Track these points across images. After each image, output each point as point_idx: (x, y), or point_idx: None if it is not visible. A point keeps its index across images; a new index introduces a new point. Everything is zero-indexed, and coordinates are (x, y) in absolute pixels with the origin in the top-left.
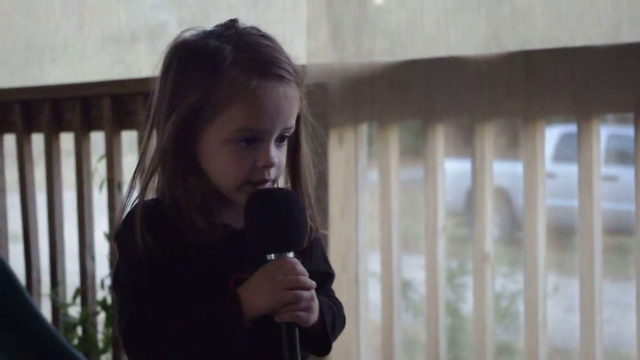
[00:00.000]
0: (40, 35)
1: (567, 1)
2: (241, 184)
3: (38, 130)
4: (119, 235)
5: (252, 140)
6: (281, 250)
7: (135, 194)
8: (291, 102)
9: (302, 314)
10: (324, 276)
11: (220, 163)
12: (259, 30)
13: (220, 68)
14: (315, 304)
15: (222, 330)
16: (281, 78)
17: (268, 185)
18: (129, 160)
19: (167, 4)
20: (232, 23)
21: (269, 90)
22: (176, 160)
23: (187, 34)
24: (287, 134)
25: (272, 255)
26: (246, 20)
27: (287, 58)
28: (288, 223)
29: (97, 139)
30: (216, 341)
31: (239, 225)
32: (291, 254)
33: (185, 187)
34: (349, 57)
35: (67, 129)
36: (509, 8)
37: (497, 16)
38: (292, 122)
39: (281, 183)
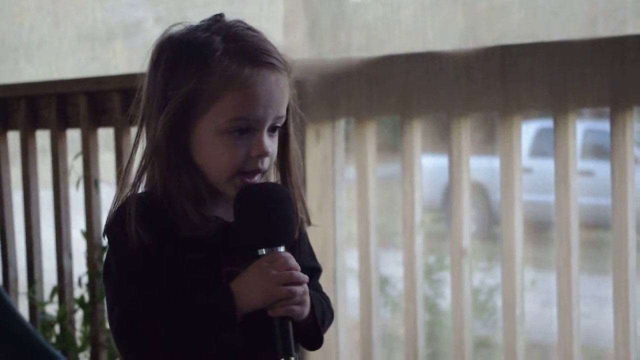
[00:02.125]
0: (15, 33)
1: None
2: (233, 174)
3: (14, 127)
4: (111, 228)
5: (246, 130)
6: (272, 244)
7: (127, 187)
8: (283, 90)
9: (297, 308)
10: (312, 271)
11: (213, 153)
12: (244, 23)
13: (212, 59)
14: (308, 298)
15: (215, 324)
16: (272, 66)
17: (259, 176)
18: (106, 158)
19: (143, 2)
20: (218, 17)
21: (261, 78)
22: (169, 153)
23: (174, 29)
24: (279, 124)
25: (264, 250)
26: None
27: (275, 48)
28: (278, 217)
29: (74, 136)
30: (208, 335)
31: (231, 218)
32: (282, 248)
33: (178, 180)
34: (326, 53)
35: (43, 126)
36: (486, 3)
37: (473, 11)
38: (284, 110)
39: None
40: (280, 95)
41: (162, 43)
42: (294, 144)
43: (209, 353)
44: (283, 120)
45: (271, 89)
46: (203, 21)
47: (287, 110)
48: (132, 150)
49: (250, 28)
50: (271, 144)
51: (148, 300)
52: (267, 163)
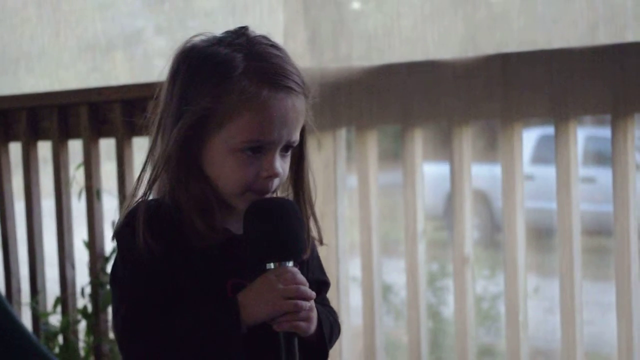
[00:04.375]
0: (16, 44)
1: (543, 4)
2: (244, 190)
3: (15, 138)
4: (120, 233)
5: (258, 150)
6: (281, 259)
7: (139, 195)
8: (298, 114)
9: (302, 324)
10: (319, 284)
11: (225, 170)
12: (268, 39)
13: (231, 77)
14: (315, 314)
15: (219, 335)
16: (290, 90)
17: (269, 195)
18: (107, 168)
19: (143, 12)
20: (243, 31)
21: (278, 101)
22: (180, 165)
23: (197, 39)
24: (292, 145)
25: (272, 264)
26: (225, 26)
27: (296, 69)
28: (287, 232)
29: (75, 147)
30: (212, 346)
31: (240, 231)
32: (291, 263)
33: (187, 191)
34: (327, 62)
35: (44, 137)
36: (486, 11)
37: (473, 20)
38: (297, 134)
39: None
40: (295, 118)
41: (183, 53)
42: (308, 163)
43: None
44: (297, 142)
45: (287, 112)
46: (226, 33)
47: (304, 130)
48: (146, 158)
49: (274, 45)
50: (282, 164)
51: (153, 306)
52: (276, 183)
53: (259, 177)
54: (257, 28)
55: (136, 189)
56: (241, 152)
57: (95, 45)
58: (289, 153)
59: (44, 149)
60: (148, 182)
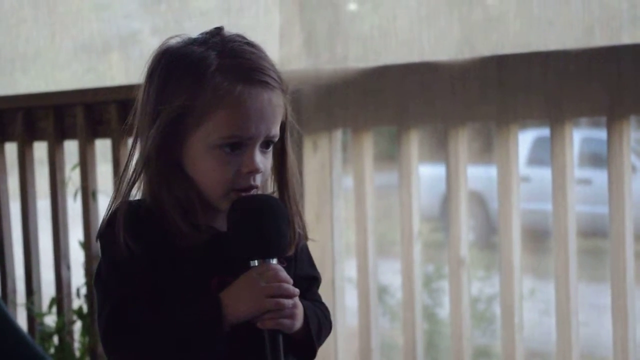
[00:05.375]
0: (12, 44)
1: (539, 6)
2: (227, 190)
3: (11, 139)
4: (102, 235)
5: (237, 146)
6: (264, 256)
7: (120, 196)
8: (275, 109)
9: (286, 321)
10: (309, 280)
11: (205, 169)
12: (243, 37)
13: (205, 75)
14: (299, 311)
15: (202, 334)
16: (265, 84)
17: (253, 191)
18: (103, 169)
19: (139, 13)
20: (217, 31)
21: (254, 96)
22: (160, 165)
23: (172, 41)
24: (272, 141)
25: (256, 262)
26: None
27: (272, 65)
28: (270, 230)
29: (71, 147)
30: (195, 344)
31: (224, 228)
32: (274, 261)
33: (169, 191)
34: (323, 64)
35: (40, 137)
36: (482, 13)
37: (469, 22)
38: (277, 129)
39: (268, 190)
40: (272, 113)
41: (158, 55)
42: (291, 159)
43: None
44: (277, 137)
45: (263, 107)
46: (202, 34)
47: (284, 126)
48: (127, 160)
49: (249, 43)
50: (263, 160)
51: (136, 306)
52: (259, 179)
53: (240, 174)
54: (253, 29)
55: (118, 190)
56: (220, 149)
57: (91, 46)
58: (270, 149)
59: (40, 149)
60: (128, 184)
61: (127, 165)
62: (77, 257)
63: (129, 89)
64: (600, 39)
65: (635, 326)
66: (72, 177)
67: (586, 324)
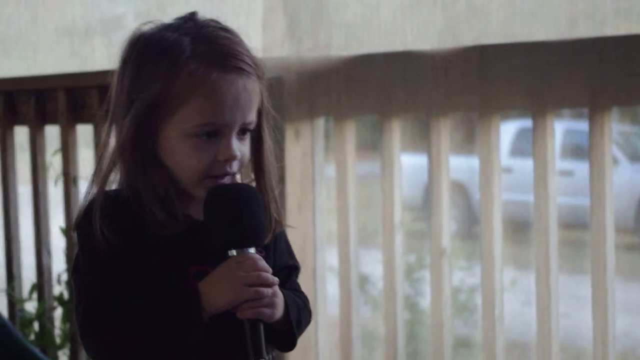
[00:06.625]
0: None
1: None
2: (202, 177)
3: None
4: (79, 225)
5: (213, 134)
6: (242, 246)
7: (97, 185)
8: (251, 95)
9: (266, 310)
10: (289, 269)
11: (181, 157)
12: (218, 22)
13: (179, 61)
14: (279, 300)
15: (179, 324)
16: (241, 71)
17: (229, 178)
18: (85, 154)
19: None
20: (191, 16)
21: (228, 83)
22: (136, 154)
23: (145, 27)
24: (249, 128)
25: (234, 251)
26: (202, 13)
27: (247, 50)
28: (248, 219)
29: (52, 132)
30: (173, 335)
31: (201, 216)
32: (252, 250)
33: (145, 180)
34: (305, 51)
35: (21, 122)
36: (465, 3)
37: (453, 11)
38: (253, 115)
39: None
40: (248, 99)
41: (131, 42)
42: (267, 146)
43: (173, 352)
44: (253, 124)
45: (239, 93)
46: (175, 19)
47: (260, 112)
48: (103, 149)
49: (223, 28)
50: (240, 147)
51: (114, 296)
52: (236, 166)
53: (217, 162)
54: (236, 15)
55: (94, 180)
56: (196, 137)
57: (73, 30)
58: (247, 136)
59: (21, 134)
60: (103, 174)
61: (102, 155)
62: (58, 243)
63: (112, 74)
64: (584, 31)
65: (615, 318)
66: (54, 163)
67: (566, 315)
